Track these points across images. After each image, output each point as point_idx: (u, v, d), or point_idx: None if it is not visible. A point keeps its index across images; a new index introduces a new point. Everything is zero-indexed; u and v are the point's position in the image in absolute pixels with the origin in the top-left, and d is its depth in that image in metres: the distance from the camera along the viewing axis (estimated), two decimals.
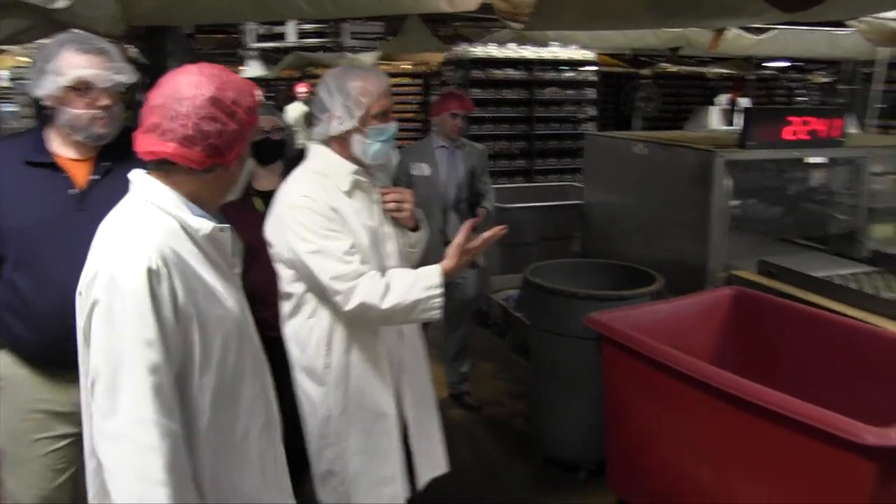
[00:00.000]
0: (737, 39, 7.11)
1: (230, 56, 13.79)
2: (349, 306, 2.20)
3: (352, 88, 2.32)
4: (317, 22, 11.90)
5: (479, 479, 3.75)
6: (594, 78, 8.38)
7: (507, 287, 5.48)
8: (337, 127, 2.34)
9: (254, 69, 12.36)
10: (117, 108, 2.26)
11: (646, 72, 12.32)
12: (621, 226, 4.53)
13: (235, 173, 1.79)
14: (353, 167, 2.37)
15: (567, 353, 3.51)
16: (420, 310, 2.23)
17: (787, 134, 3.83)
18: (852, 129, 7.99)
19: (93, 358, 1.56)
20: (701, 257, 3.80)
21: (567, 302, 3.46)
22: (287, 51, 11.94)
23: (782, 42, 7.33)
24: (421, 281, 2.23)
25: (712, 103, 10.46)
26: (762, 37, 7.10)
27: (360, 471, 2.36)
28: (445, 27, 7.70)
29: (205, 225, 1.68)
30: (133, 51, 6.37)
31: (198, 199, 1.71)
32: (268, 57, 12.41)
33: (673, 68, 13.70)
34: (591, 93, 8.32)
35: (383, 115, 2.36)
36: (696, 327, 3.43)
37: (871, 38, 5.81)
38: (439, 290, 2.23)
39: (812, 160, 3.99)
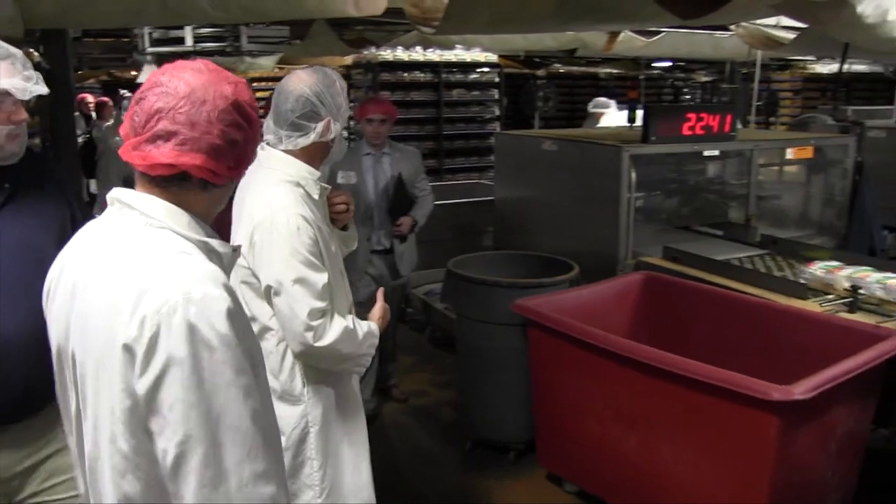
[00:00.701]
0: (629, 41, 7.54)
1: (120, 61, 13.44)
2: (320, 343, 2.16)
3: (339, 91, 2.29)
4: (214, 25, 11.74)
5: (413, 466, 3.91)
6: (497, 79, 8.66)
7: (424, 282, 5.65)
8: (333, 131, 2.28)
9: (149, 73, 12.08)
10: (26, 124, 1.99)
11: (542, 72, 12.74)
12: (533, 219, 4.77)
13: (235, 186, 1.59)
14: (318, 173, 2.33)
15: (493, 339, 3.72)
16: (357, 364, 2.30)
17: (686, 129, 4.15)
18: (737, 126, 8.55)
19: (176, 427, 1.27)
20: (611, 246, 4.07)
21: (492, 291, 3.67)
22: (184, 55, 11.74)
23: (670, 44, 7.81)
24: (369, 339, 2.28)
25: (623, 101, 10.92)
26: (652, 39, 7.55)
27: (338, 482, 2.34)
28: (350, 31, 7.82)
29: (225, 247, 1.48)
30: (36, 56, 6.23)
31: (204, 218, 1.49)
32: (164, 62, 12.14)
33: (566, 69, 14.20)
34: (495, 93, 8.61)
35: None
36: (612, 310, 3.69)
37: (748, 41, 6.31)
38: (374, 350, 2.31)
39: (707, 153, 4.32)
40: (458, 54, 8.21)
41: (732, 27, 6.43)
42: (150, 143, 1.37)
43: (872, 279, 3.30)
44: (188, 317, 1.25)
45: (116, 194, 1.44)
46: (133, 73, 12.39)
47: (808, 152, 4.74)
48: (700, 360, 2.72)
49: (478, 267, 4.06)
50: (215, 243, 1.45)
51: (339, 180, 4.29)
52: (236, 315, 1.32)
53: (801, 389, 2.38)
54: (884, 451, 3.27)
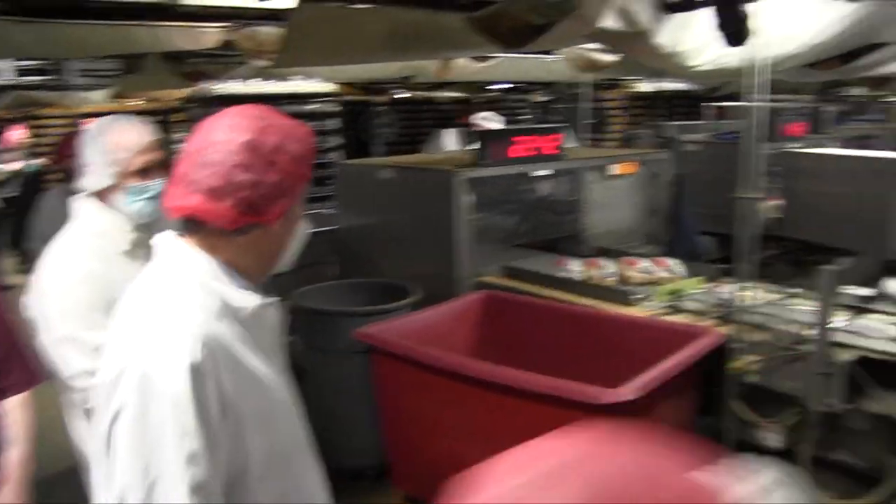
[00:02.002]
0: (463, 67, 7.77)
1: None
2: (88, 405, 2.09)
3: (108, 142, 2.23)
4: (57, 59, 11.17)
5: None
6: (337, 108, 8.74)
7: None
8: (96, 182, 2.25)
9: None
10: None
11: (382, 99, 12.89)
12: (376, 247, 4.83)
13: (281, 236, 1.47)
14: (133, 224, 2.29)
15: (341, 367, 3.76)
16: None
17: (516, 152, 4.35)
18: (571, 143, 8.98)
19: (119, 476, 1.25)
20: (451, 268, 4.19)
21: (335, 320, 3.72)
22: (2, 88, 11.07)
23: (503, 68, 8.11)
24: None
25: (447, 126, 11.18)
26: (485, 64, 7.81)
27: None
28: (187, 64, 7.66)
29: (249, 301, 1.42)
30: None
31: (237, 268, 1.43)
32: None
33: (406, 94, 14.43)
34: (334, 123, 8.68)
35: (145, 172, 2.25)
36: (453, 330, 3.80)
37: (574, 65, 6.67)
38: None
39: (538, 173, 4.54)
40: (297, 85, 8.24)
41: (560, 52, 6.78)
42: (172, 186, 1.40)
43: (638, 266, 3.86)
44: (146, 366, 1.27)
45: (156, 240, 1.46)
46: None
47: (632, 167, 5.08)
48: (540, 371, 2.85)
49: (323, 297, 4.09)
50: (235, 297, 1.40)
51: None
52: (201, 374, 1.28)
53: (629, 390, 2.57)
54: (710, 437, 3.52)
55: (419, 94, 14.82)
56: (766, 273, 5.54)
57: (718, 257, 5.93)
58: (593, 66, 6.45)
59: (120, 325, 1.40)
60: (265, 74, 7.42)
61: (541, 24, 3.16)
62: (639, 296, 3.68)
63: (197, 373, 1.27)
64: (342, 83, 10.79)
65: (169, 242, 1.43)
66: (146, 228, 2.26)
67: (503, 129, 5.39)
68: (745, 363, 3.02)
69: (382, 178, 4.65)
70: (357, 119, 11.84)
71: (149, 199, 2.26)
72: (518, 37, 3.22)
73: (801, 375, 2.89)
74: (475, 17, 3.34)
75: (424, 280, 4.16)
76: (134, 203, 2.26)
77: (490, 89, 15.45)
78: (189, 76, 7.49)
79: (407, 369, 3.23)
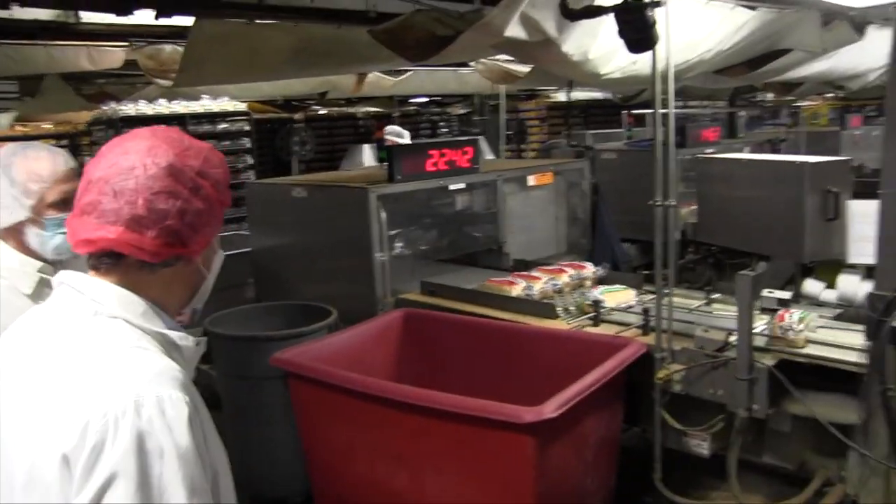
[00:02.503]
0: (377, 82, 7.71)
1: None
2: None
3: (19, 173, 2.01)
4: None
5: None
6: (248, 127, 8.56)
7: None
8: (7, 217, 2.01)
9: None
10: None
11: (299, 116, 12.72)
12: (292, 268, 4.68)
13: (201, 270, 1.38)
14: (39, 264, 2.05)
15: (257, 394, 3.59)
16: None
17: (430, 166, 4.27)
18: (489, 156, 8.97)
19: None
20: (369, 286, 4.07)
21: (250, 346, 3.55)
22: None
23: (417, 81, 8.09)
24: None
25: (365, 141, 11.08)
26: (399, 78, 7.77)
27: None
28: (89, 85, 7.38)
29: (188, 340, 1.31)
30: None
31: (161, 305, 1.31)
32: None
33: (324, 111, 14.28)
34: (246, 142, 8.50)
35: (63, 203, 2.00)
36: (373, 350, 3.68)
37: (488, 76, 6.66)
38: None
39: (453, 187, 4.46)
40: (205, 105, 8.03)
41: (472, 64, 6.77)
42: (78, 218, 1.25)
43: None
44: (138, 424, 1.10)
45: (63, 277, 1.29)
46: None
47: (548, 178, 5.05)
48: (461, 389, 2.76)
49: (238, 322, 3.92)
50: (175, 335, 1.28)
51: None
52: (195, 423, 1.17)
53: (551, 408, 2.48)
54: (639, 447, 3.48)
55: (336, 109, 14.72)
56: (689, 278, 5.64)
57: (641, 264, 6.01)
58: (507, 77, 6.46)
59: (37, 377, 1.20)
60: (172, 94, 7.22)
61: (446, 36, 3.07)
62: (560, 307, 3.62)
63: (192, 423, 1.16)
64: (257, 101, 10.60)
65: (81, 281, 1.27)
66: (51, 269, 2.05)
67: (415, 144, 5.31)
68: (668, 372, 2.98)
69: (295, 196, 4.51)
70: (274, 137, 11.64)
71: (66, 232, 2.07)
72: (423, 49, 3.14)
73: (725, 382, 2.86)
74: (379, 29, 3.26)
75: (344, 300, 4.04)
76: (52, 238, 2.02)
77: (411, 103, 15.46)
78: (92, 98, 7.22)
79: (324, 394, 3.10)
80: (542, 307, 3.61)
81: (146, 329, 1.26)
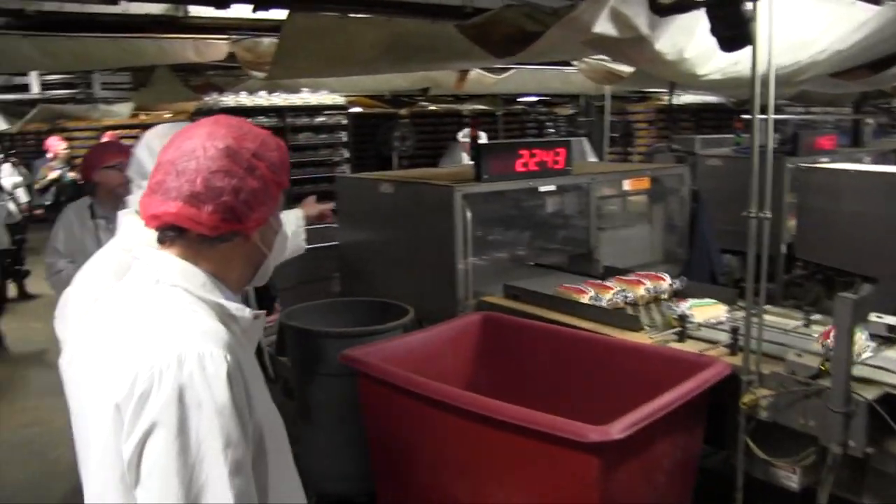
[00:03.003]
0: (479, 79, 7.63)
1: None
2: None
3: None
4: (63, 72, 11.28)
5: None
6: (345, 121, 8.61)
7: (270, 334, 5.45)
8: None
9: None
10: None
11: (404, 112, 12.79)
12: (376, 264, 4.65)
13: (259, 248, 1.47)
14: None
15: (328, 390, 3.56)
16: None
17: (519, 166, 4.14)
18: (591, 158, 8.75)
19: (156, 495, 1.19)
20: (450, 287, 3.99)
21: (322, 341, 3.52)
22: (32, 103, 11.19)
23: (520, 80, 7.96)
24: None
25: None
26: (502, 76, 7.66)
27: None
28: (197, 76, 7.60)
29: (244, 311, 1.41)
30: None
31: (220, 278, 1.41)
32: (9, 109, 11.52)
33: (434, 107, 14.32)
34: (343, 136, 8.54)
35: None
36: (448, 353, 3.59)
37: (592, 76, 6.46)
38: None
39: (543, 189, 4.32)
40: (304, 98, 8.11)
41: (575, 63, 6.59)
42: (148, 196, 1.39)
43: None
44: (179, 377, 1.20)
45: (137, 251, 1.43)
46: None
47: (644, 183, 4.84)
48: (536, 398, 2.66)
49: (314, 316, 3.90)
50: (232, 307, 1.39)
51: None
52: (236, 380, 1.26)
53: (619, 428, 2.33)
54: (721, 472, 3.27)
55: (445, 106, 14.74)
56: (795, 294, 5.30)
57: (741, 277, 5.70)
58: (610, 77, 6.25)
59: (106, 338, 1.34)
60: (273, 87, 7.33)
61: (535, 32, 2.94)
62: (646, 320, 3.45)
63: (231, 380, 1.25)
64: (364, 96, 10.69)
65: (148, 254, 1.40)
66: None
67: (505, 143, 5.20)
68: (755, 398, 2.77)
69: (382, 192, 4.47)
70: (376, 132, 11.72)
71: None
72: (510, 45, 3.02)
73: (818, 413, 2.63)
74: (467, 24, 3.15)
75: (424, 299, 3.97)
76: None
77: (519, 102, 15.33)
78: (198, 88, 7.42)
79: (390, 395, 3.03)
80: (627, 319, 3.44)
81: (205, 298, 1.35)
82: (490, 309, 3.86)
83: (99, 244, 3.60)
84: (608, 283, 3.77)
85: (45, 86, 11.32)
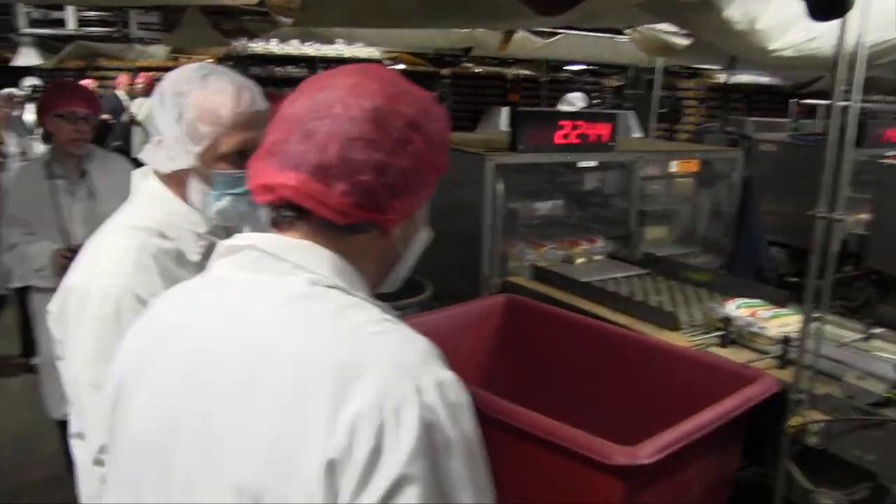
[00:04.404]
0: (524, 42, 7.26)
1: (2, 41, 12.57)
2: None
3: (190, 108, 1.56)
4: (100, 8, 11.08)
5: None
6: None
7: None
8: (166, 161, 1.60)
9: (28, 57, 11.26)
10: None
11: (446, 71, 12.39)
12: None
13: (395, 249, 1.15)
14: (207, 224, 1.65)
15: None
16: None
17: (558, 138, 3.81)
18: (636, 133, 8.35)
19: None
20: (475, 264, 3.70)
21: None
22: (68, 39, 11.01)
23: (567, 46, 7.57)
24: None
25: (507, 104, 10.64)
26: (549, 41, 7.28)
27: None
28: (230, 21, 7.30)
29: (398, 315, 1.10)
30: None
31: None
32: (46, 44, 11.36)
33: (480, 69, 13.91)
34: None
35: (240, 156, 1.57)
36: (468, 337, 3.31)
37: (643, 46, 6.05)
38: None
39: (583, 164, 3.99)
40: (337, 49, 7.74)
41: (627, 31, 6.19)
42: (261, 159, 1.04)
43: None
44: (424, 415, 0.88)
45: (250, 240, 1.04)
46: (8, 55, 11.55)
47: (693, 165, 4.47)
48: (557, 395, 2.45)
49: None
50: (391, 310, 1.06)
51: None
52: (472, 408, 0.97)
53: (648, 452, 2.04)
54: (756, 487, 2.98)
55: (490, 69, 14.32)
56: (844, 295, 4.93)
57: (788, 272, 5.34)
58: (664, 49, 5.84)
59: (244, 366, 0.93)
60: (307, 35, 7.00)
61: None
62: (686, 319, 3.13)
63: (471, 406, 0.98)
64: (403, 52, 10.32)
65: (279, 244, 1.02)
66: (222, 233, 1.66)
67: (545, 111, 4.86)
68: (804, 422, 2.45)
69: None
70: None
71: (238, 194, 1.60)
72: (555, 3, 2.68)
73: (879, 447, 2.31)
74: None
75: (446, 275, 3.68)
76: (219, 198, 1.61)
77: (565, 70, 14.84)
78: (229, 34, 7.12)
79: None
80: (664, 316, 3.13)
81: (368, 301, 1.03)
82: (515, 291, 3.57)
83: (57, 212, 3.26)
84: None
85: (82, 22, 11.12)
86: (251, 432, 0.90)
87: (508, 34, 6.91)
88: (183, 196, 1.63)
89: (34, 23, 11.35)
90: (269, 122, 1.06)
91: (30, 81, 10.16)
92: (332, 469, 0.86)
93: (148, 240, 1.56)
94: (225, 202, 1.61)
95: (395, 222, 1.08)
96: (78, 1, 7.21)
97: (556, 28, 6.59)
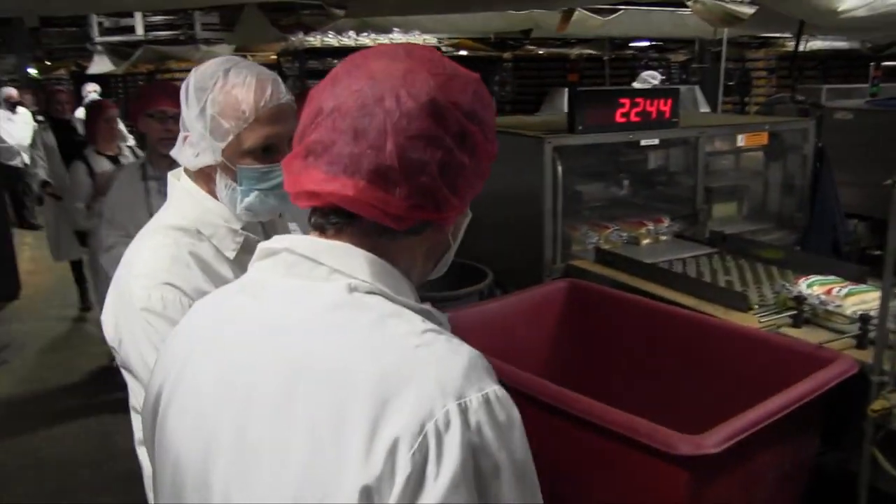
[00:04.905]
0: (585, 20, 7.10)
1: (81, 51, 13.02)
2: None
3: (213, 102, 1.53)
4: (165, 13, 11.34)
5: None
6: None
7: None
8: (193, 158, 1.57)
9: (101, 64, 11.62)
10: None
11: (508, 55, 12.25)
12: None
13: (448, 240, 1.08)
14: (239, 220, 1.61)
15: None
16: None
17: (619, 117, 3.69)
18: (703, 108, 8.11)
19: None
20: (537, 249, 3.63)
21: None
22: (137, 44, 11.33)
23: (629, 22, 7.39)
24: None
25: (567, 85, 10.48)
26: (609, 18, 7.11)
27: None
28: (288, 16, 7.35)
29: (444, 317, 1.05)
30: None
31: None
32: (118, 51, 11.72)
33: (542, 51, 13.73)
34: None
35: (265, 152, 1.55)
36: (530, 324, 3.25)
37: (706, 17, 5.86)
38: None
39: (645, 142, 3.86)
40: (394, 38, 7.70)
41: (689, 3, 5.99)
42: (302, 160, 0.93)
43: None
44: (469, 436, 0.81)
45: (285, 243, 0.97)
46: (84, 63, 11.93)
47: (761, 138, 4.29)
48: (625, 381, 2.41)
49: None
50: (437, 313, 1.01)
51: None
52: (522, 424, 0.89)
53: (715, 441, 1.94)
54: (835, 475, 2.84)
55: (553, 51, 14.11)
56: None
57: (869, 245, 5.10)
58: (728, 19, 5.64)
59: (285, 388, 0.87)
60: (362, 27, 6.99)
61: None
62: (756, 299, 3.01)
63: (523, 424, 0.91)
64: (464, 38, 10.24)
65: (317, 247, 0.95)
66: (258, 229, 1.66)
67: (603, 90, 4.73)
68: (888, 405, 2.31)
69: None
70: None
71: (267, 189, 1.57)
72: None
73: None
74: None
75: (508, 261, 3.65)
76: (245, 195, 1.57)
77: (631, 47, 14.54)
78: (286, 28, 7.16)
79: None
80: (733, 296, 3.00)
81: (408, 306, 0.95)
82: (579, 275, 3.49)
83: (150, 213, 3.30)
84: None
85: (149, 27, 11.41)
86: (287, 451, 0.84)
87: (567, 13, 6.77)
88: (214, 193, 1.60)
89: (106, 31, 11.71)
90: (302, 114, 0.97)
91: (92, 87, 10.37)
92: (368, 496, 0.79)
93: (183, 238, 1.55)
94: (253, 198, 1.57)
95: (453, 219, 1.01)
96: (143, 5, 7.34)
97: (616, 4, 6.42)
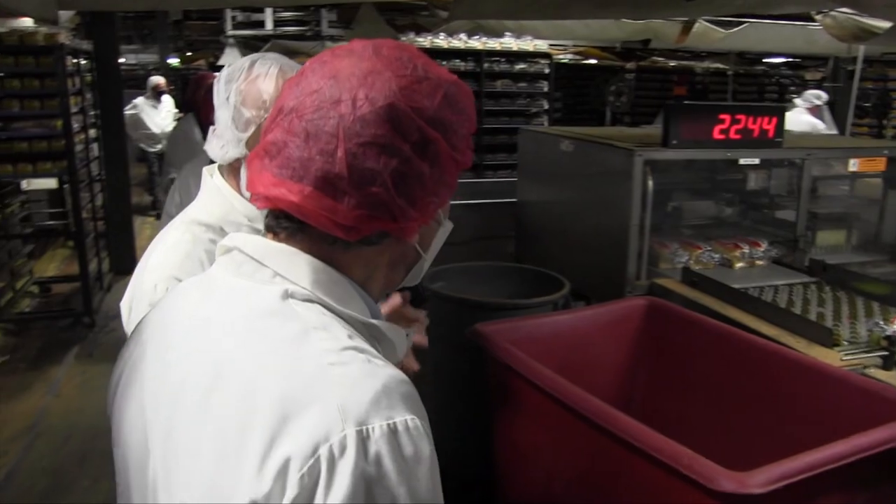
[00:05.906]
0: (705, 32, 6.87)
1: (218, 43, 13.66)
2: None
3: (237, 91, 1.54)
4: (295, 9, 11.74)
5: None
6: (547, 70, 8.04)
7: None
8: (220, 151, 1.57)
9: (231, 56, 12.17)
10: None
11: (631, 65, 11.99)
12: (547, 227, 4.26)
13: (415, 249, 1.02)
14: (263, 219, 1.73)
15: (458, 363, 3.25)
16: None
17: (717, 133, 3.54)
18: (830, 130, 7.69)
19: None
20: (620, 263, 3.53)
21: (458, 309, 3.20)
22: (266, 38, 11.80)
23: (753, 36, 7.07)
24: None
25: (698, 98, 10.17)
26: (731, 31, 6.84)
27: None
28: (404, 16, 7.42)
29: (399, 333, 1.01)
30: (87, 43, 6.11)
31: (360, 285, 0.97)
32: (249, 45, 12.25)
33: (673, 63, 13.40)
34: (544, 85, 8.00)
35: None
36: (603, 340, 3.15)
37: (836, 33, 5.54)
38: None
39: (744, 161, 3.69)
40: (504, 42, 7.63)
41: (818, 17, 5.69)
42: (259, 160, 0.91)
43: None
44: (363, 466, 0.77)
45: (236, 241, 0.96)
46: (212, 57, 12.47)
47: (878, 164, 4.02)
48: (698, 409, 2.36)
49: (463, 279, 3.58)
50: (385, 327, 0.96)
51: None
52: (435, 460, 0.85)
53: (761, 480, 1.82)
54: None
55: (682, 63, 13.75)
56: None
57: None
58: (860, 34, 5.30)
59: (200, 378, 0.86)
60: (475, 29, 6.98)
61: None
62: (847, 335, 2.82)
63: (433, 464, 0.85)
64: (595, 46, 10.10)
65: (262, 248, 0.94)
66: None
67: (701, 105, 4.55)
68: None
69: (562, 150, 4.03)
70: (588, 85, 11.09)
71: None
72: None
73: None
74: None
75: (589, 273, 3.56)
76: None
77: (764, 62, 13.99)
78: (401, 29, 7.23)
79: (514, 381, 2.67)
80: (818, 330, 2.83)
81: (350, 318, 0.91)
82: (663, 294, 3.37)
83: None
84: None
85: (278, 23, 11.83)
86: (198, 456, 0.82)
87: (687, 24, 6.57)
88: (240, 189, 1.59)
89: (238, 25, 12.23)
90: (272, 108, 0.93)
91: (155, 81, 10.57)
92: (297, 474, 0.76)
93: (203, 234, 1.55)
94: None
95: (413, 231, 0.94)
96: (270, 1, 7.61)
97: (736, 14, 6.18)
